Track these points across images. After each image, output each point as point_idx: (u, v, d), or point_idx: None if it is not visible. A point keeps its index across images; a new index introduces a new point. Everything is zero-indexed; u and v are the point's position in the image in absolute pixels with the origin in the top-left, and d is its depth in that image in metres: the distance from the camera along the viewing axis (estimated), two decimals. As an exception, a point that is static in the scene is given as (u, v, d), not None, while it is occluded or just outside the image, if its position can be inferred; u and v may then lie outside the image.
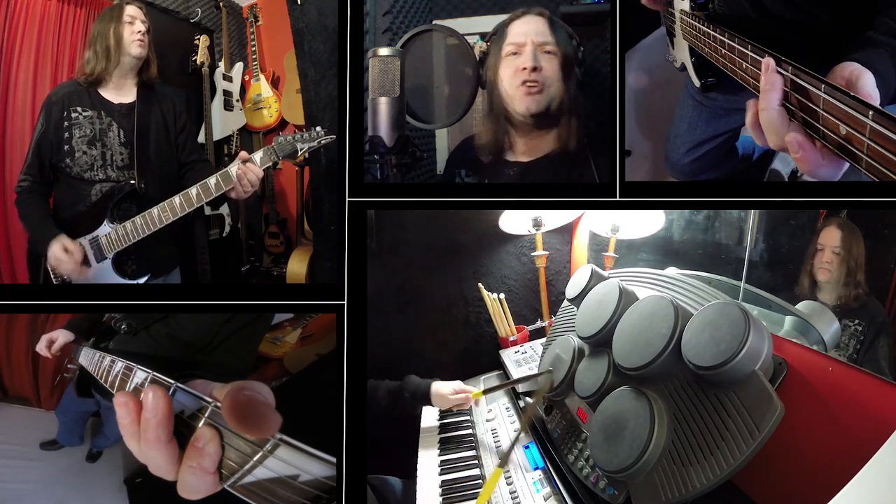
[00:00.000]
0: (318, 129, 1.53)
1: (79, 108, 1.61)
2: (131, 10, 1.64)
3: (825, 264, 1.53)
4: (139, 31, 1.64)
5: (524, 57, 1.48)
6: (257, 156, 1.54)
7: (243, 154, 1.55)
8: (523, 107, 1.49)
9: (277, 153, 1.54)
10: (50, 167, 1.61)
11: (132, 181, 1.61)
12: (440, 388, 1.56)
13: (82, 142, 1.60)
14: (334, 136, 1.51)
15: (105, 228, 1.58)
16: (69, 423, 1.65)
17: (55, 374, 1.64)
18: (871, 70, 1.03)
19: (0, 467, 1.60)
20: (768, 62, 1.06)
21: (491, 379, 1.75)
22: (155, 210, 1.54)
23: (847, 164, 1.02)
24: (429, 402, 1.56)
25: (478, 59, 1.56)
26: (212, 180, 1.53)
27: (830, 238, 1.54)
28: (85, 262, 1.58)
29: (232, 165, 1.53)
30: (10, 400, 1.69)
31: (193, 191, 1.53)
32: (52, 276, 1.59)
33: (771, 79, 1.06)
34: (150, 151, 1.65)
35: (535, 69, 1.46)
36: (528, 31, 1.49)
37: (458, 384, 1.57)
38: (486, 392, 1.57)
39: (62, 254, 1.56)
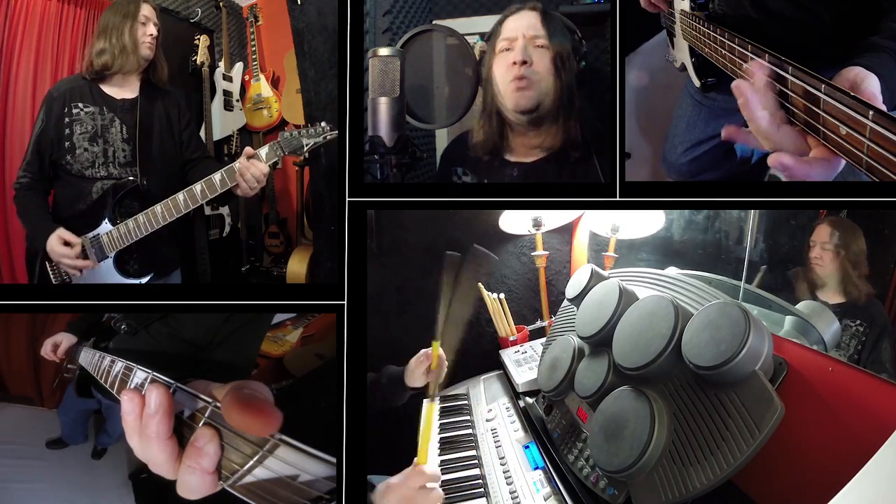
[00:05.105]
0: (323, 124, 1.52)
1: (80, 104, 1.58)
2: (146, 11, 1.62)
3: (816, 260, 1.54)
4: (150, 35, 1.62)
5: (514, 51, 1.46)
6: (263, 151, 1.53)
7: (248, 150, 1.53)
8: (513, 103, 1.47)
9: (283, 148, 1.53)
10: (50, 164, 1.59)
11: (134, 178, 1.59)
12: (409, 364, 1.51)
13: (83, 138, 1.57)
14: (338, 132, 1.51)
15: (106, 226, 1.56)
16: (71, 422, 1.64)
17: (55, 375, 1.63)
18: (876, 75, 1.03)
19: (8, 468, 1.58)
20: (751, 68, 1.07)
21: (491, 379, 1.75)
22: (158, 207, 1.53)
23: (840, 167, 1.02)
24: (405, 385, 1.52)
25: (478, 59, 1.56)
26: (216, 176, 1.51)
27: (820, 234, 1.55)
28: (85, 256, 1.56)
29: (237, 162, 1.52)
30: (12, 400, 1.67)
31: (198, 187, 1.52)
32: (51, 276, 1.58)
33: (756, 86, 1.06)
34: (153, 148, 1.63)
35: (524, 63, 1.45)
36: (520, 25, 1.48)
37: (420, 352, 1.50)
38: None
39: (61, 247, 1.54)
